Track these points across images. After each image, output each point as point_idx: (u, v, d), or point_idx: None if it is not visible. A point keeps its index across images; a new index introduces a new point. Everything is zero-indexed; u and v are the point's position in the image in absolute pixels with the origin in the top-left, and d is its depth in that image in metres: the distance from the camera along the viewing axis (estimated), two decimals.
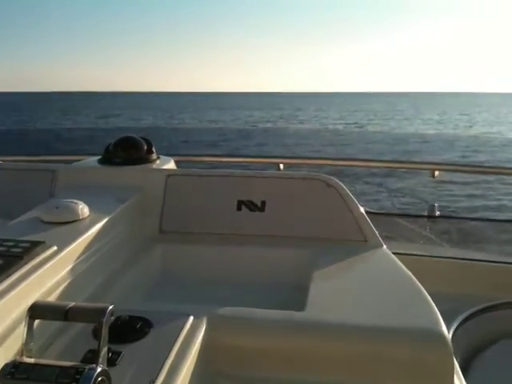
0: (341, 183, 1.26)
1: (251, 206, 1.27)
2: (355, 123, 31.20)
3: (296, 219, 1.26)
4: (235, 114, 42.08)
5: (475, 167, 2.78)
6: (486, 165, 2.49)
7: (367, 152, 12.33)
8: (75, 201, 1.07)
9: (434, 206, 2.49)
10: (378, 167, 3.04)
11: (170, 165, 1.47)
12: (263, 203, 1.27)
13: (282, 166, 2.82)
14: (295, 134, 21.15)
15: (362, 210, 1.24)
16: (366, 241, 1.21)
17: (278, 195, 1.28)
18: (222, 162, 3.00)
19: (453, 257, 1.92)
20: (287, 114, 44.56)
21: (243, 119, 36.28)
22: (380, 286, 1.01)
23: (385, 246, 1.20)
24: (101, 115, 36.23)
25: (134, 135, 1.45)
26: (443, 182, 2.63)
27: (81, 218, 1.04)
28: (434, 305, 0.89)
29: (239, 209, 1.27)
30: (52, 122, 31.66)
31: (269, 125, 31.71)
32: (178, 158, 2.57)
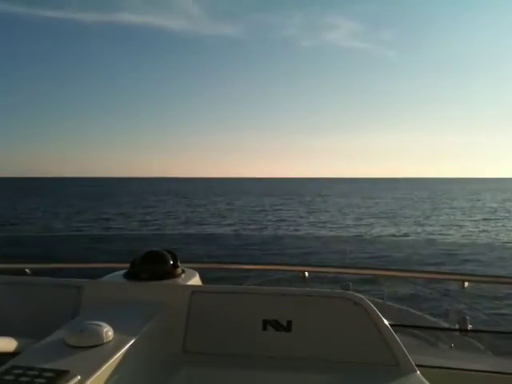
0: (368, 301, 1.25)
1: (277, 326, 1.25)
2: None
3: (323, 340, 1.23)
4: None
5: (506, 278, 2.73)
6: None
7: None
8: (100, 323, 1.07)
9: (465, 318, 2.44)
10: (413, 277, 3.00)
11: (195, 279, 1.48)
12: (289, 323, 1.25)
13: (307, 274, 2.83)
14: None
15: (392, 331, 1.21)
16: (397, 365, 1.16)
17: (304, 314, 1.26)
18: (243, 269, 2.97)
19: (492, 370, 1.81)
20: None
21: None
22: None
23: (418, 372, 1.14)
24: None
25: (159, 249, 1.48)
26: (473, 293, 2.59)
27: (105, 341, 1.04)
28: None
29: (265, 328, 1.25)
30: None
31: None
32: (201, 266, 2.61)
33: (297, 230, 22.38)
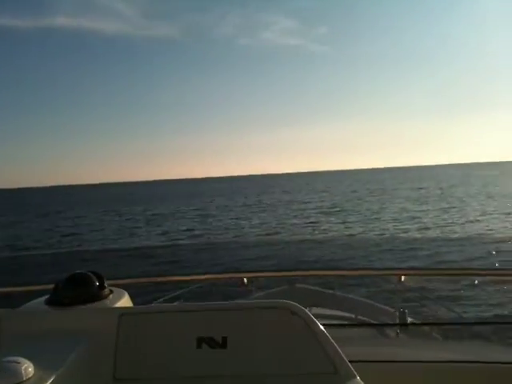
0: (306, 310, 1.20)
1: (212, 343, 1.18)
2: None
3: (260, 354, 1.17)
4: None
5: (440, 270, 2.84)
6: (451, 267, 2.55)
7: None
8: (18, 359, 0.98)
9: (404, 312, 2.47)
10: (346, 275, 3.05)
11: (124, 299, 1.38)
12: (224, 339, 1.18)
13: (245, 280, 2.74)
14: None
15: (330, 338, 1.17)
16: (336, 373, 1.12)
17: (240, 329, 1.20)
18: (177, 280, 2.81)
19: (438, 360, 1.84)
20: None
21: None
22: None
23: (358, 378, 1.11)
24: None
25: (83, 271, 1.38)
26: (410, 287, 2.65)
27: (24, 379, 0.95)
28: None
29: (199, 347, 1.18)
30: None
31: None
32: (129, 281, 2.46)
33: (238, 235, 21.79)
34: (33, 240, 22.97)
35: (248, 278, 2.73)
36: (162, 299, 2.80)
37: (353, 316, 2.79)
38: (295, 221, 25.52)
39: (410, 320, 2.47)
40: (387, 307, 2.96)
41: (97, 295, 1.33)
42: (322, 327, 1.18)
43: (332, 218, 25.77)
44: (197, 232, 23.31)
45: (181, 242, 20.04)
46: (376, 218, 24.40)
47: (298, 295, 3.03)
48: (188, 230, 24.39)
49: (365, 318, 2.75)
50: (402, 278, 2.49)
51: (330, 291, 3.22)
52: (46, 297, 1.36)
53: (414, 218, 23.49)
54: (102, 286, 1.36)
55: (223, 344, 1.18)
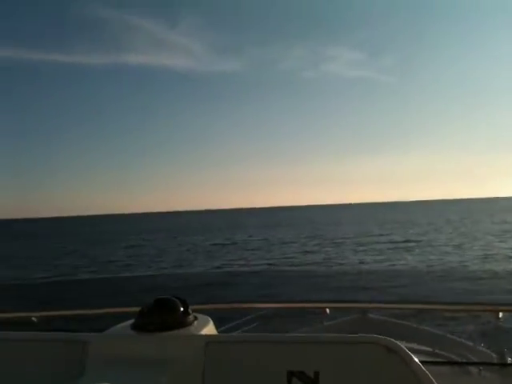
0: (404, 347, 1.13)
1: (303, 378, 1.13)
2: None
3: None
4: None
5: None
6: None
7: None
8: None
9: (503, 351, 2.33)
10: (437, 310, 2.88)
11: (209, 326, 1.35)
12: (316, 374, 1.12)
13: (328, 310, 2.71)
14: None
15: (430, 376, 1.08)
16: None
17: (332, 363, 1.14)
18: (256, 307, 2.78)
19: None
20: None
21: None
22: None
23: None
24: None
25: (168, 296, 1.37)
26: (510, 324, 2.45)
27: None
28: None
29: (289, 381, 1.13)
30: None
31: None
32: (211, 306, 2.51)
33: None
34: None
35: (330, 308, 2.69)
36: (226, 326, 2.73)
37: (430, 350, 2.64)
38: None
39: (510, 360, 2.31)
40: (472, 344, 2.76)
41: (182, 321, 1.31)
42: (421, 365, 1.11)
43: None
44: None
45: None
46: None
47: (370, 324, 2.94)
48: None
49: (445, 353, 2.59)
50: (500, 314, 2.31)
51: (406, 322, 3.08)
52: (132, 321, 1.36)
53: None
54: (186, 312, 1.34)
55: (315, 379, 1.12)
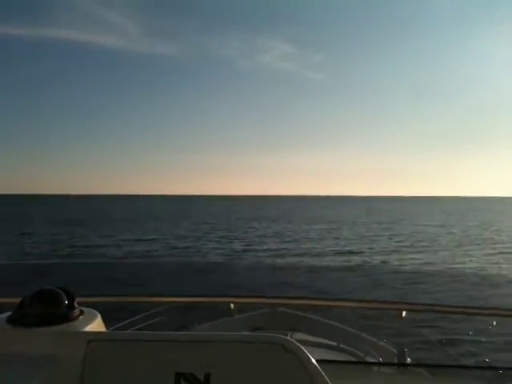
0: (302, 347, 1.07)
1: (193, 380, 1.05)
2: None
3: None
4: None
5: (444, 307, 2.70)
6: (456, 305, 2.41)
7: None
8: None
9: (404, 351, 2.35)
10: (348, 307, 2.91)
11: (96, 322, 1.25)
12: (207, 376, 1.05)
13: (232, 305, 2.66)
14: None
15: (325, 377, 1.04)
16: None
17: (226, 365, 1.07)
18: (155, 302, 2.65)
19: None
20: None
21: None
22: None
23: None
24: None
25: (51, 287, 1.26)
26: (411, 323, 2.49)
27: None
28: None
29: (177, 383, 1.05)
30: None
31: None
32: (101, 299, 2.33)
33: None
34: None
35: (234, 303, 2.64)
36: (127, 321, 2.60)
37: (335, 344, 2.66)
38: None
39: (409, 360, 2.33)
40: (377, 340, 2.84)
41: (65, 316, 1.21)
42: (317, 365, 1.06)
43: None
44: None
45: None
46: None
47: (279, 319, 2.92)
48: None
49: (348, 348, 2.63)
50: (404, 313, 2.36)
51: (315, 317, 3.08)
52: (9, 314, 1.24)
53: None
54: (71, 306, 1.24)
55: (205, 381, 1.05)
